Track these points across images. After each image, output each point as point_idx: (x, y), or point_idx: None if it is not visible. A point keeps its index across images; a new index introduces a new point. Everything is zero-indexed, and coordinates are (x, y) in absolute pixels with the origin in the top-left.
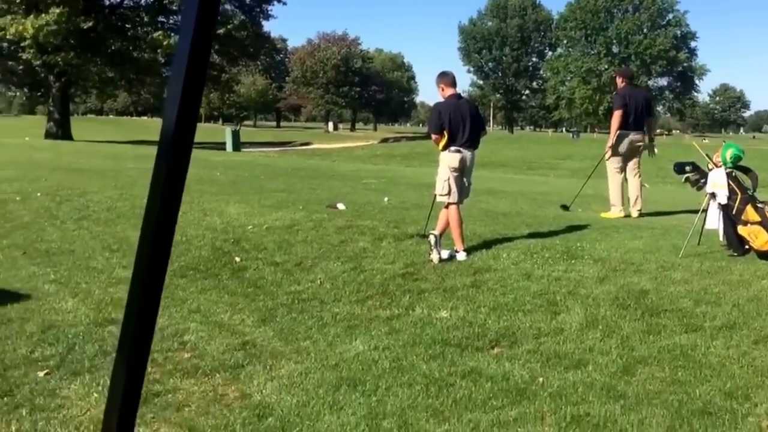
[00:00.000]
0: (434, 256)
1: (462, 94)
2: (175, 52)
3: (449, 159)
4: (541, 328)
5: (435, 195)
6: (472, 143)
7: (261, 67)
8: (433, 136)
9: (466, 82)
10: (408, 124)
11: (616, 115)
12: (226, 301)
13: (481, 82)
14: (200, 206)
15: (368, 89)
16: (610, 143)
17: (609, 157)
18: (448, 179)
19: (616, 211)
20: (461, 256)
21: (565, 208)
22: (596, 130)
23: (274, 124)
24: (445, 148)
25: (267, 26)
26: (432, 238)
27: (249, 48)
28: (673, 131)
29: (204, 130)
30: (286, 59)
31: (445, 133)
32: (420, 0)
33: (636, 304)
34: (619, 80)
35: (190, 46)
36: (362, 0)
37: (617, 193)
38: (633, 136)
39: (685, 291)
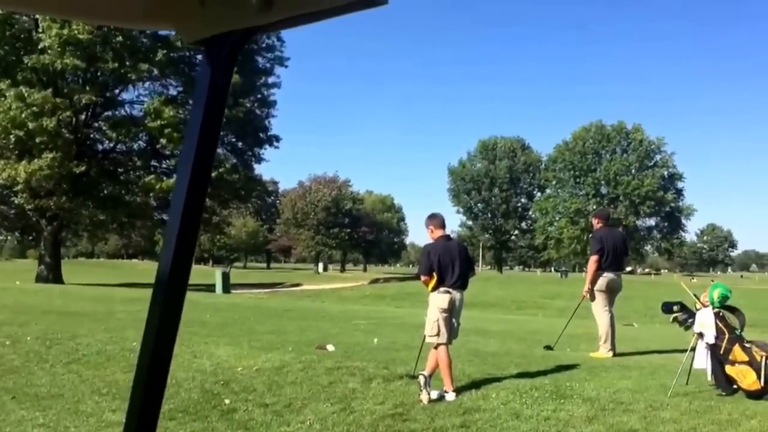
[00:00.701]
0: (424, 397)
1: (451, 235)
2: (172, 197)
3: (439, 300)
4: None
5: (425, 335)
6: (462, 284)
7: (252, 209)
8: (423, 278)
9: (455, 222)
10: (398, 265)
11: (593, 260)
12: None
13: (470, 223)
14: (190, 348)
15: (358, 230)
16: (587, 287)
17: (592, 298)
18: (438, 320)
19: (604, 351)
20: (450, 396)
21: (549, 348)
22: (584, 269)
23: (264, 265)
24: (435, 289)
25: (259, 169)
26: (422, 379)
27: (240, 191)
28: (662, 270)
29: (194, 272)
30: (277, 201)
31: (435, 274)
32: (409, 143)
33: None
34: (595, 221)
35: (186, 193)
36: (352, 143)
37: (606, 333)
38: (611, 275)
39: (674, 430)
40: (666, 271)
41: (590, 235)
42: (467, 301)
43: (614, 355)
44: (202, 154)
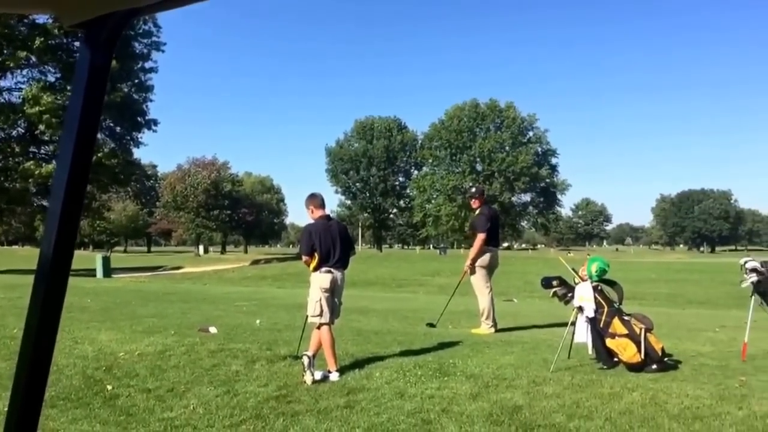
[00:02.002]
0: (308, 378)
1: (331, 215)
2: (53, 182)
3: (320, 280)
4: None
5: (307, 316)
6: (343, 263)
7: (131, 193)
8: (304, 258)
9: (334, 202)
10: (278, 246)
11: (482, 237)
12: (97, 430)
13: (349, 202)
14: (71, 334)
15: (238, 212)
16: (469, 262)
17: (472, 273)
18: (320, 300)
19: (486, 327)
20: (334, 376)
21: (431, 325)
22: (463, 246)
23: (145, 249)
24: (317, 269)
25: (137, 153)
26: (305, 359)
27: (119, 175)
28: (538, 246)
29: (74, 257)
30: (157, 185)
31: (316, 254)
32: (287, 124)
33: (510, 420)
34: (477, 202)
35: (67, 178)
36: (231, 125)
37: (487, 309)
38: (494, 252)
39: (557, 405)
40: (543, 246)
41: (476, 213)
42: (348, 281)
43: (496, 331)
44: (83, 138)
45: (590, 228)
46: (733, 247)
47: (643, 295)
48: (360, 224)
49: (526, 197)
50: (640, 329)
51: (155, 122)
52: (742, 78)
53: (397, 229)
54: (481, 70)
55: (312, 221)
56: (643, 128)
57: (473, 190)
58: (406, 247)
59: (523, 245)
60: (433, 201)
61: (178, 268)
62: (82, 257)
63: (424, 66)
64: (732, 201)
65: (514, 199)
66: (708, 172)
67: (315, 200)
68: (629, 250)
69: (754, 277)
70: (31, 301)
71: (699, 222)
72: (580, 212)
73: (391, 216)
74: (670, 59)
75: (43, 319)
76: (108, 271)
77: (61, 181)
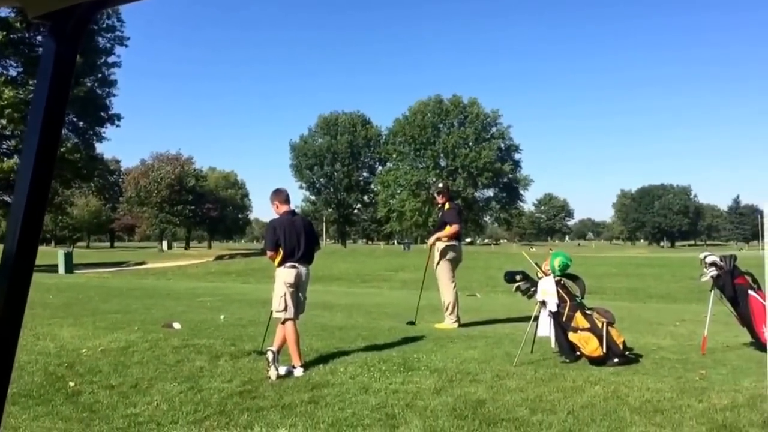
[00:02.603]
0: (272, 373)
1: (296, 210)
2: (16, 177)
3: (285, 275)
4: None
5: (272, 311)
6: (307, 259)
7: (94, 188)
8: (269, 253)
9: (298, 197)
10: (243, 241)
11: (457, 229)
12: (60, 427)
13: (313, 198)
14: (32, 331)
15: (202, 207)
16: (434, 239)
17: (440, 264)
18: (285, 295)
19: (450, 322)
20: (299, 371)
21: (411, 323)
22: (426, 241)
23: (108, 244)
24: (281, 264)
25: (100, 148)
26: (269, 355)
27: (82, 170)
28: (501, 241)
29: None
30: (120, 180)
31: (281, 249)
32: (251, 119)
33: (473, 415)
34: (442, 197)
35: (32, 172)
36: (195, 121)
37: (452, 303)
38: (460, 246)
39: (521, 399)
40: (505, 241)
41: (446, 208)
42: (313, 276)
43: (459, 325)
44: (48, 132)
45: (552, 223)
46: (692, 242)
47: (604, 289)
48: (324, 219)
49: (489, 192)
50: (602, 323)
51: (118, 117)
52: (701, 74)
53: (362, 225)
54: (445, 67)
55: (277, 216)
56: (604, 124)
57: (440, 185)
58: (370, 242)
59: (486, 240)
60: (397, 196)
61: (142, 263)
62: (43, 253)
63: (389, 62)
64: (691, 196)
65: (477, 194)
66: (668, 167)
67: (280, 196)
68: (591, 244)
69: (713, 272)
70: None
71: (659, 217)
72: (542, 207)
73: (356, 211)
74: (631, 54)
75: (6, 316)
76: (70, 267)
77: (26, 175)
